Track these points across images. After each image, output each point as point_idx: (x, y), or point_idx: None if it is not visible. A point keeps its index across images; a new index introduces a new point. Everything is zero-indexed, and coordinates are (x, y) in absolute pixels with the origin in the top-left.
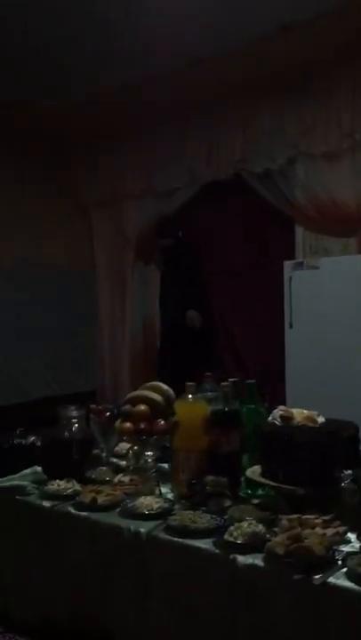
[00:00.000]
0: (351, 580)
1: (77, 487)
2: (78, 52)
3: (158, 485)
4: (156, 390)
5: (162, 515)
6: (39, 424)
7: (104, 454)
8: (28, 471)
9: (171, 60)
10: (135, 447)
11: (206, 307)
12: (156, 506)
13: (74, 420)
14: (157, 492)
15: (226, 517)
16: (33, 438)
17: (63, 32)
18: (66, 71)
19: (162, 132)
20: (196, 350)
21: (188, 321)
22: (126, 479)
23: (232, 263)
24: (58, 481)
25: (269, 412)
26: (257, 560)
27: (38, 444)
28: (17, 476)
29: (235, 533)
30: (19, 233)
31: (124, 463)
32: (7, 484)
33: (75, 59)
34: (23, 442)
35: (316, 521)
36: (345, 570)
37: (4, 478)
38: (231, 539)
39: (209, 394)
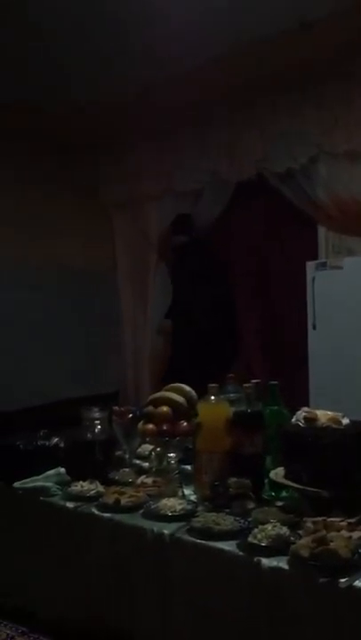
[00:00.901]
0: None
1: (100, 488)
2: (98, 53)
3: (181, 487)
4: (179, 392)
5: (185, 516)
6: (62, 426)
7: (127, 456)
8: (51, 472)
9: (189, 60)
10: (158, 449)
11: (218, 307)
12: (178, 507)
13: (97, 422)
14: (180, 493)
15: (250, 519)
16: (56, 440)
17: (80, 33)
18: (87, 71)
19: (182, 133)
20: (212, 352)
21: (160, 329)
22: (149, 481)
23: (254, 264)
24: (81, 482)
25: (292, 413)
26: (281, 563)
27: (62, 445)
28: (41, 477)
29: (259, 536)
30: (38, 234)
31: (146, 465)
32: (31, 485)
33: (95, 60)
34: (47, 443)
35: (342, 524)
36: None
37: (28, 479)
38: (255, 541)
39: (231, 395)
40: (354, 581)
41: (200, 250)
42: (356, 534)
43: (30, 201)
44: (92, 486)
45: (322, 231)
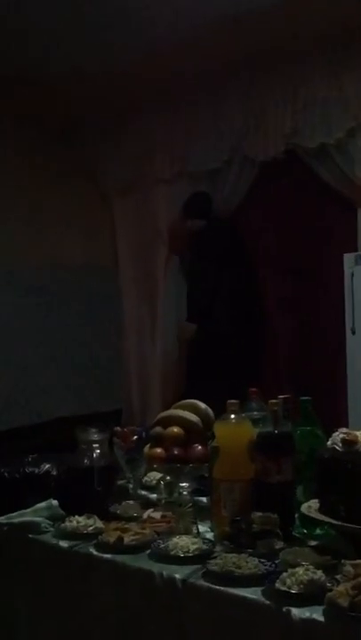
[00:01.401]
0: None
1: (100, 524)
2: (97, 16)
3: (195, 523)
4: (192, 409)
5: (200, 558)
6: (54, 449)
7: (131, 485)
8: (42, 505)
9: (203, 19)
10: (167, 477)
11: (246, 306)
12: (193, 547)
13: (95, 445)
14: (194, 530)
15: (277, 562)
16: (47, 466)
17: None
18: (81, 36)
19: (198, 104)
20: (233, 360)
21: (180, 334)
22: (157, 515)
23: (282, 256)
24: (77, 517)
25: (328, 434)
26: (315, 614)
27: (54, 473)
28: (29, 510)
29: (288, 581)
30: (28, 227)
31: (154, 496)
32: (18, 520)
33: (95, 23)
34: (36, 470)
35: None
36: None
37: (15, 513)
38: (284, 587)
39: (255, 413)
40: None
41: (223, 236)
42: None
43: (18, 187)
44: (90, 522)
45: None
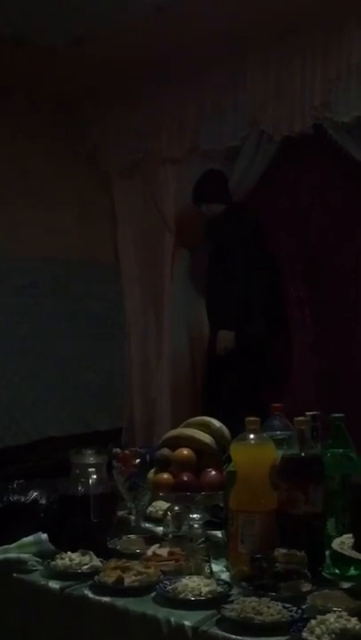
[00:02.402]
0: None
1: (97, 562)
2: None
3: (208, 561)
4: (205, 428)
5: (214, 602)
6: (44, 474)
7: (133, 517)
8: (29, 539)
9: None
10: (176, 507)
11: (276, 309)
12: (205, 590)
13: (91, 470)
14: (207, 570)
15: (304, 607)
16: (36, 494)
17: None
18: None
19: (212, 73)
20: (256, 370)
21: (218, 345)
22: (164, 552)
23: (312, 247)
24: (70, 553)
25: None
26: None
27: (43, 501)
28: (14, 545)
29: (318, 630)
30: (14, 215)
31: (160, 530)
32: (1, 556)
33: None
34: (23, 499)
35: None
36: None
37: None
38: (313, 637)
39: (278, 433)
40: None
41: (248, 226)
42: None
43: (4, 167)
44: (85, 559)
45: None
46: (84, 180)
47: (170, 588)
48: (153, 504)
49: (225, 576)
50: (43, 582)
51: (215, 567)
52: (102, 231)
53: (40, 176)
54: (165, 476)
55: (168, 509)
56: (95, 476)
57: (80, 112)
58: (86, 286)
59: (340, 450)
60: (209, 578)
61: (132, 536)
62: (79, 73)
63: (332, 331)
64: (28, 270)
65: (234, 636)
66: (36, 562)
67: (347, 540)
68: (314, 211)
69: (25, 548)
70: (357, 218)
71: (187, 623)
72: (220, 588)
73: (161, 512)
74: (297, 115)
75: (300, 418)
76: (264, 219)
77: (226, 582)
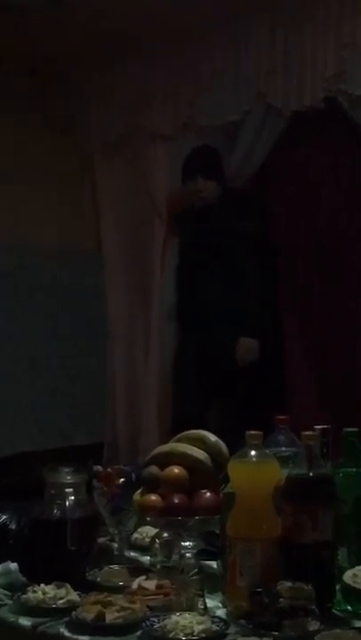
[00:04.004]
0: None
1: (74, 596)
2: None
3: (202, 595)
4: (199, 443)
5: None
6: (14, 495)
7: (116, 545)
8: None
9: None
10: (165, 534)
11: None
12: (198, 628)
13: (68, 490)
14: (200, 605)
15: None
16: (4, 517)
17: None
18: None
19: (211, 37)
20: (266, 380)
21: (240, 355)
22: (151, 585)
23: (321, 238)
24: (43, 586)
25: None
26: None
27: (12, 526)
28: None
29: None
30: None
31: (147, 559)
32: None
33: None
34: None
35: None
36: None
37: None
38: None
39: (283, 449)
40: None
41: (253, 214)
42: None
43: None
44: (61, 592)
45: None
46: (62, 158)
47: (158, 626)
48: (139, 530)
49: (221, 612)
50: (12, 619)
51: (210, 602)
52: (83, 216)
53: (11, 153)
54: (153, 497)
55: (156, 536)
56: (73, 498)
57: (57, 81)
58: (65, 280)
59: (354, 469)
60: (203, 615)
61: (115, 566)
62: (56, 35)
63: (345, 333)
64: (3, 264)
65: None
66: (5, 595)
67: (360, 572)
68: (325, 195)
69: None
70: None
71: None
72: (215, 627)
73: (148, 539)
74: (307, 86)
75: (307, 432)
76: (269, 206)
77: (222, 620)
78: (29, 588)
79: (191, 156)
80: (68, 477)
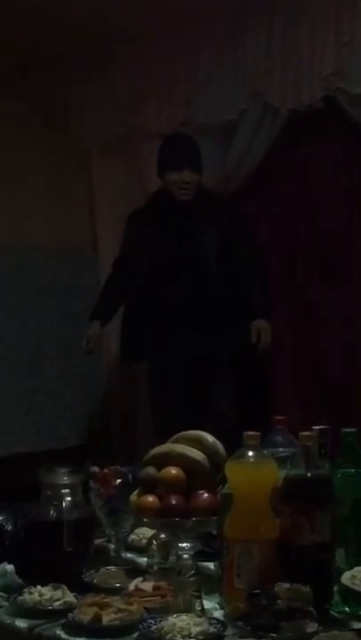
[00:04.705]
0: None
1: (70, 598)
2: None
3: (200, 597)
4: (196, 443)
5: None
6: (10, 496)
7: (112, 546)
8: None
9: None
10: (162, 535)
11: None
12: (195, 630)
13: (65, 491)
14: (198, 607)
15: None
16: (1, 519)
17: None
18: None
19: (208, 34)
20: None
21: (263, 337)
22: (148, 586)
23: (313, 241)
24: (40, 588)
25: None
26: None
27: (8, 528)
28: None
29: None
30: None
31: (144, 560)
32: None
33: None
34: None
35: None
36: None
37: None
38: None
39: (281, 450)
40: None
41: (227, 212)
42: None
43: None
44: (58, 594)
45: None
46: (60, 157)
47: (155, 627)
48: (136, 531)
49: (218, 614)
50: (8, 621)
51: (207, 604)
52: (79, 215)
53: (10, 153)
54: (150, 498)
55: (153, 537)
56: (69, 499)
57: (52, 78)
58: (60, 279)
59: (353, 470)
60: (200, 616)
61: (112, 568)
62: (51, 31)
63: (341, 334)
64: None
65: None
66: (1, 597)
67: (358, 573)
68: (324, 195)
69: None
70: None
71: None
72: (212, 629)
73: (145, 540)
74: (305, 85)
75: (305, 433)
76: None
77: (219, 621)
78: (26, 590)
79: (176, 145)
80: (65, 478)
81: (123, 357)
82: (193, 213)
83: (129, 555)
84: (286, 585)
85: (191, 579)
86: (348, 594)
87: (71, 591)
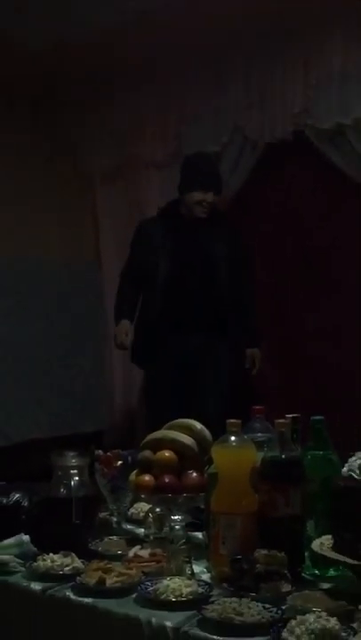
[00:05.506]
0: None
1: (78, 564)
2: None
3: (190, 562)
4: (186, 430)
5: (195, 603)
6: (27, 477)
7: (114, 519)
8: (10, 541)
9: None
10: (157, 509)
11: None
12: (186, 590)
13: (73, 472)
14: (188, 571)
15: (284, 608)
16: (17, 496)
17: None
18: None
19: (195, 77)
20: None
21: (253, 364)
22: (145, 553)
23: (286, 254)
24: (52, 555)
25: (344, 460)
26: None
27: (25, 504)
28: None
29: (297, 630)
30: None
31: (142, 531)
32: None
33: None
34: (4, 501)
35: None
36: None
37: None
38: (292, 637)
39: (259, 435)
40: None
41: (229, 231)
42: None
43: None
44: (67, 561)
45: None
46: (66, 182)
47: (151, 589)
48: (135, 506)
49: (206, 577)
50: (25, 584)
51: (196, 568)
52: (85, 232)
53: (21, 176)
54: (147, 477)
55: (150, 511)
56: (77, 479)
57: (61, 112)
58: (68, 287)
59: (321, 452)
60: (190, 579)
61: (114, 538)
62: (61, 73)
63: (312, 333)
64: (9, 271)
65: (215, 637)
66: (18, 563)
67: (326, 541)
68: (296, 219)
69: (7, 549)
70: (341, 225)
71: (168, 624)
72: (201, 589)
73: (142, 514)
74: (278, 121)
75: (280, 420)
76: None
77: (207, 583)
78: (39, 557)
79: (204, 166)
80: (73, 461)
81: (133, 360)
82: (202, 228)
83: (129, 526)
84: (264, 551)
85: (182, 547)
86: (318, 559)
87: (79, 558)
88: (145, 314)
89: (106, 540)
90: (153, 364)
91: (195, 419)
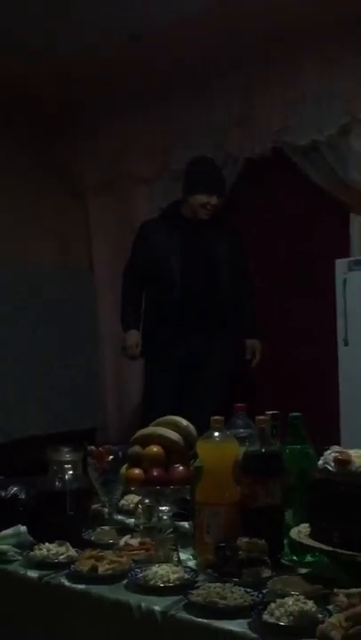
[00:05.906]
0: None
1: (72, 552)
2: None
3: (176, 550)
4: (173, 426)
5: (181, 588)
6: (23, 471)
7: (106, 510)
8: (8, 532)
9: (188, 9)
10: (146, 500)
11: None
12: (173, 576)
13: (67, 466)
14: (175, 558)
15: (265, 592)
16: (15, 489)
17: None
18: (54, 23)
19: (180, 97)
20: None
21: (253, 356)
22: (135, 542)
23: (268, 262)
24: (47, 544)
25: (320, 453)
26: None
27: (22, 496)
28: None
29: (277, 612)
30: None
31: (131, 521)
32: None
33: (65, 7)
34: (3, 494)
35: None
36: None
37: None
38: (272, 619)
39: (241, 431)
40: None
41: (228, 233)
42: None
43: None
44: (62, 550)
45: (356, 221)
46: (61, 195)
47: (141, 575)
48: (125, 497)
49: (192, 564)
50: (22, 572)
51: (183, 556)
52: (78, 243)
53: (21, 190)
54: (137, 471)
55: (139, 502)
56: (71, 472)
57: (57, 132)
58: (63, 292)
59: (298, 446)
60: (177, 566)
61: (106, 527)
62: (56, 91)
63: (291, 337)
64: (8, 277)
65: (200, 620)
66: (16, 553)
67: (304, 529)
68: (274, 230)
69: (5, 539)
70: (314, 233)
71: (156, 608)
72: (187, 575)
73: (133, 505)
74: (258, 138)
75: (261, 417)
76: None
77: (193, 569)
78: (36, 547)
79: (210, 170)
80: (68, 456)
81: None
82: (205, 230)
83: (120, 517)
84: (246, 539)
85: (170, 535)
86: (296, 546)
87: (73, 547)
88: (148, 315)
89: (98, 529)
90: (155, 364)
91: (195, 419)
